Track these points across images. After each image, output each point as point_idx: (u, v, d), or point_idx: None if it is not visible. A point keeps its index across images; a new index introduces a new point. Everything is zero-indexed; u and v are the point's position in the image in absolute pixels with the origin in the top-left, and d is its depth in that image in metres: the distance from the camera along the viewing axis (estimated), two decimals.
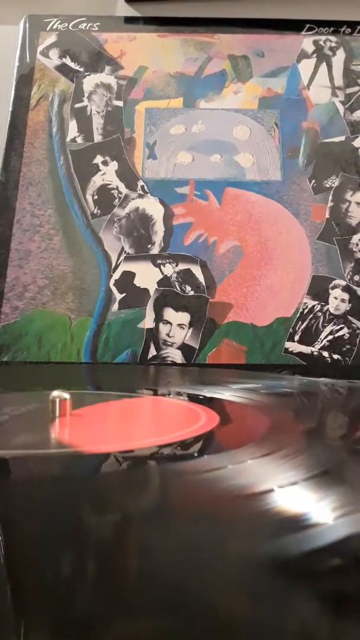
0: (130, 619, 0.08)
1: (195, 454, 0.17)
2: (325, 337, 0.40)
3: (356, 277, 0.41)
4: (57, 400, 0.20)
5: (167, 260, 0.42)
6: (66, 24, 0.49)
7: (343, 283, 0.41)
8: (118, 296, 0.41)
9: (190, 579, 0.09)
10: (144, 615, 0.09)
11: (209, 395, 0.26)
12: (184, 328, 0.40)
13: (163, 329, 0.40)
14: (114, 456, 0.16)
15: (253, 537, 0.11)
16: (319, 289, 0.41)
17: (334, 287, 0.41)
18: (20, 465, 0.16)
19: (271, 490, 0.13)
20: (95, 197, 0.43)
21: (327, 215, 0.43)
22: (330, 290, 0.41)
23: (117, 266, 0.41)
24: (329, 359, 0.39)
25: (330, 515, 0.11)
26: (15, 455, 0.16)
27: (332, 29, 0.49)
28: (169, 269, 0.41)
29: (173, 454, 0.16)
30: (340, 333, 0.40)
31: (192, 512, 0.12)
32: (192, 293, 0.41)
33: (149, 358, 0.39)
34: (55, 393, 0.21)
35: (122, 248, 0.42)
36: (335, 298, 0.41)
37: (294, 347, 0.39)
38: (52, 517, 0.12)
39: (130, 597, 0.09)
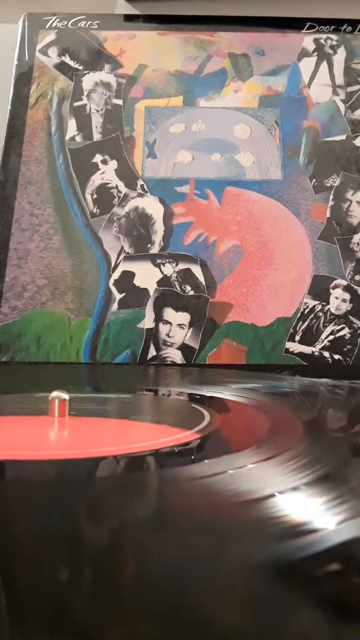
0: (127, 628, 0.08)
1: (192, 457, 0.16)
2: (326, 337, 0.39)
3: (357, 277, 0.41)
4: (56, 400, 0.20)
5: (167, 260, 0.41)
6: (65, 22, 0.49)
7: (344, 283, 0.41)
8: (117, 296, 0.41)
9: (187, 586, 0.09)
10: (141, 623, 0.08)
11: (208, 395, 0.26)
12: (184, 328, 0.40)
13: (163, 329, 0.40)
14: (110, 459, 0.16)
15: (252, 545, 0.11)
16: (319, 289, 0.41)
17: (335, 287, 0.41)
18: (13, 468, 0.15)
19: (272, 496, 0.12)
20: (95, 196, 0.43)
21: (327, 215, 0.42)
22: (331, 290, 0.41)
23: (116, 266, 0.41)
24: (329, 359, 0.39)
25: (332, 520, 0.11)
26: (10, 457, 0.16)
27: (332, 27, 0.49)
28: (169, 269, 0.41)
29: (171, 457, 0.16)
30: (341, 333, 0.39)
31: (189, 519, 0.12)
32: (192, 293, 0.40)
33: (148, 358, 0.39)
34: (54, 393, 0.20)
35: (122, 247, 0.42)
36: (336, 298, 0.40)
37: (295, 347, 0.39)
38: (42, 522, 0.12)
39: (127, 605, 0.09)
